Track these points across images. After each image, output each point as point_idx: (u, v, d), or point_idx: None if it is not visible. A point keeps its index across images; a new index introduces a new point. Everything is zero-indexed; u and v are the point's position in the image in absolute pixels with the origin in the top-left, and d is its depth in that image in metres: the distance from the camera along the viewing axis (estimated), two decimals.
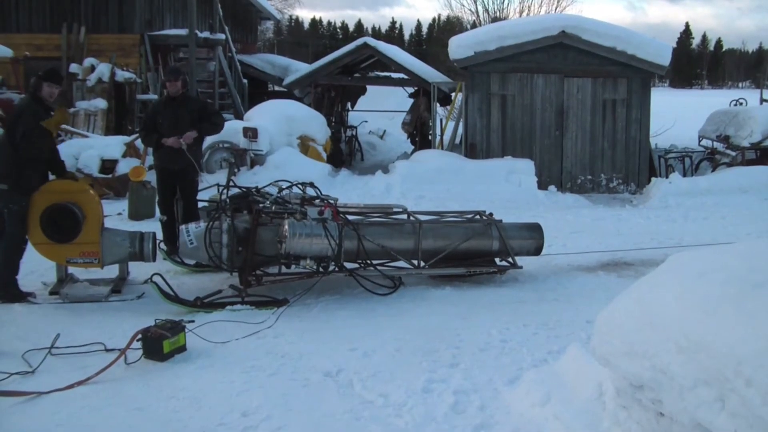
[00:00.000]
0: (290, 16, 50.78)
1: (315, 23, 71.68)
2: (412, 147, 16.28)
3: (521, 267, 6.98)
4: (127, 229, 6.76)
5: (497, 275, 7.03)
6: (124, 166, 10.95)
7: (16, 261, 6.13)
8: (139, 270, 6.75)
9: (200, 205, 7.42)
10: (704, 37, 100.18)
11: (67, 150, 10.76)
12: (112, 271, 6.70)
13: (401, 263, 6.68)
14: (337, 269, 6.32)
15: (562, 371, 4.14)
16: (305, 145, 13.42)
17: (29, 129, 5.95)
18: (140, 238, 6.38)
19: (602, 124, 13.01)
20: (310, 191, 6.75)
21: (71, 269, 6.58)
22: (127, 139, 11.96)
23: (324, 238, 6.10)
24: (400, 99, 20.12)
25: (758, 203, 11.14)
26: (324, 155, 13.76)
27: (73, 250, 6.19)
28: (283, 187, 6.67)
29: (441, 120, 15.37)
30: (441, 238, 6.73)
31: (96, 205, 6.32)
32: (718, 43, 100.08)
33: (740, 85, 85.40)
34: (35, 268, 6.70)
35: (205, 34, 17.45)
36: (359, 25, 73.37)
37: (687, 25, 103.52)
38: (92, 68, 14.93)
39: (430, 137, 15.58)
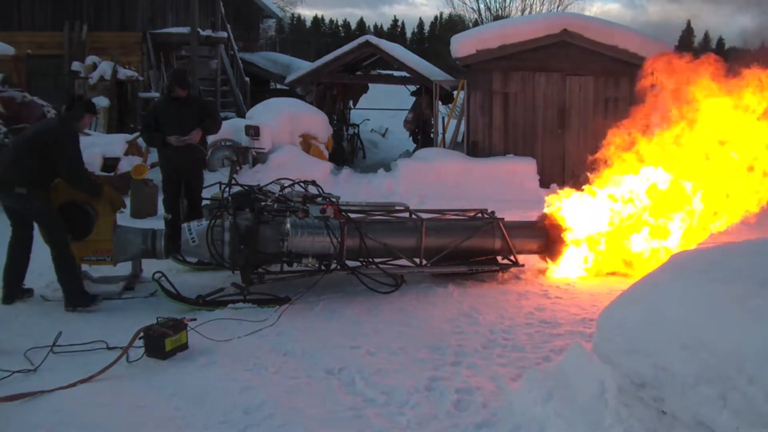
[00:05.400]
0: (292, 14, 50.68)
1: (317, 21, 71.46)
2: (414, 145, 16.29)
3: (523, 265, 6.99)
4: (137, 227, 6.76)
5: (499, 273, 7.03)
6: (126, 164, 10.96)
7: (70, 262, 5.93)
8: (146, 268, 6.75)
9: (203, 203, 7.42)
10: (706, 35, 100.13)
11: None
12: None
13: (403, 261, 6.68)
14: (339, 267, 6.32)
15: (565, 369, 4.14)
16: (307, 143, 13.42)
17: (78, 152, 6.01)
18: (152, 235, 6.38)
19: (604, 122, 12.96)
20: (312, 189, 6.74)
21: (84, 267, 6.58)
22: (129, 136, 11.96)
23: (326, 236, 6.11)
24: (402, 97, 20.15)
25: None
26: (326, 153, 13.76)
27: (85, 247, 6.19)
28: (285, 185, 6.68)
29: (443, 118, 15.36)
30: (443, 236, 6.72)
31: (108, 203, 6.32)
32: (720, 41, 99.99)
33: None
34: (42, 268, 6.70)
35: (207, 32, 17.44)
36: (361, 23, 73.11)
37: (688, 23, 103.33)
38: (94, 66, 14.95)
39: (432, 135, 15.57)
